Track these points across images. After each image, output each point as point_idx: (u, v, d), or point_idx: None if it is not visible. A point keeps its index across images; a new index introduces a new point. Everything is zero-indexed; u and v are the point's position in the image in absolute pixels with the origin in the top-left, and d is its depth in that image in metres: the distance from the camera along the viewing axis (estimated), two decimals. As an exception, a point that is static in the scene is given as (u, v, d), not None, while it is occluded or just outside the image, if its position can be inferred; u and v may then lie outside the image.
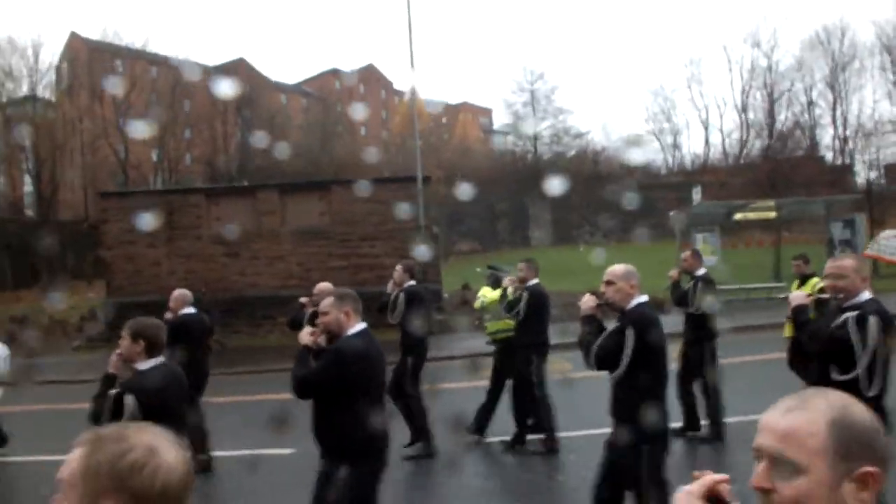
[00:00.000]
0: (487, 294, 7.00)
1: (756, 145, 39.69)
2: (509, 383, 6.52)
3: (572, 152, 40.54)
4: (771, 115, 39.11)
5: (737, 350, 8.37)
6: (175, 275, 16.18)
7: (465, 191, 29.23)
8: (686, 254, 6.46)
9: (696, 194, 15.58)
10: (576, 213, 38.11)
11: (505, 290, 6.39)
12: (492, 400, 6.64)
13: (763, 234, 19.08)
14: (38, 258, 33.97)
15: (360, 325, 3.48)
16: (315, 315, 6.25)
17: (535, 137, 40.51)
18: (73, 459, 1.16)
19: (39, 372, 14.73)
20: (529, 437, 6.33)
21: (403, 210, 15.33)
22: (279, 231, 15.94)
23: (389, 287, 6.42)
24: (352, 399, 3.32)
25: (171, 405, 3.34)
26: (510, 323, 6.44)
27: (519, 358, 6.29)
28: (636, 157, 41.94)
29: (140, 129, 39.47)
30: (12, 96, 38.46)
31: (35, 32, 59.61)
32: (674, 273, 6.46)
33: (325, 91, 55.34)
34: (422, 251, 7.17)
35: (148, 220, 16.08)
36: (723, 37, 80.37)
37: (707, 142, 41.95)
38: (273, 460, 6.27)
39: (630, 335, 3.35)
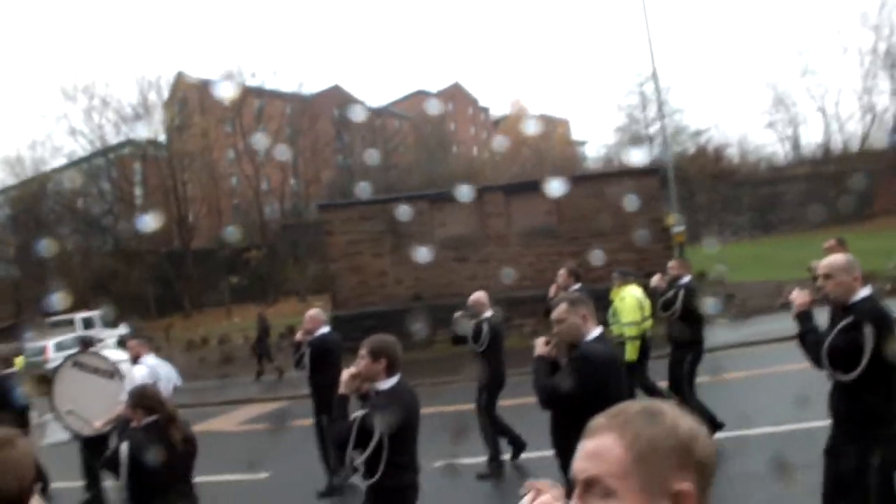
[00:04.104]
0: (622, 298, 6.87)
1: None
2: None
3: (691, 151, 39.94)
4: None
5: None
6: (402, 284, 16.32)
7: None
8: (830, 243, 6.11)
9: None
10: (702, 212, 37.44)
11: (657, 289, 6.48)
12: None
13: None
14: (182, 285, 35.15)
15: (598, 329, 3.31)
16: (478, 328, 6.00)
17: (650, 139, 40.00)
18: (602, 450, 1.01)
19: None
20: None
21: (634, 204, 15.13)
22: (507, 233, 15.93)
23: (552, 291, 6.30)
24: (597, 408, 3.12)
25: (413, 425, 3.30)
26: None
27: (674, 357, 6.27)
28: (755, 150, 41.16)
29: (259, 156, 40.72)
30: (140, 136, 40.23)
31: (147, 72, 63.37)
32: (814, 265, 6.21)
33: (415, 111, 56.12)
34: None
35: (372, 229, 16.30)
36: (836, 21, 78.77)
37: (827, 130, 40.82)
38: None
39: (869, 332, 3.08)
